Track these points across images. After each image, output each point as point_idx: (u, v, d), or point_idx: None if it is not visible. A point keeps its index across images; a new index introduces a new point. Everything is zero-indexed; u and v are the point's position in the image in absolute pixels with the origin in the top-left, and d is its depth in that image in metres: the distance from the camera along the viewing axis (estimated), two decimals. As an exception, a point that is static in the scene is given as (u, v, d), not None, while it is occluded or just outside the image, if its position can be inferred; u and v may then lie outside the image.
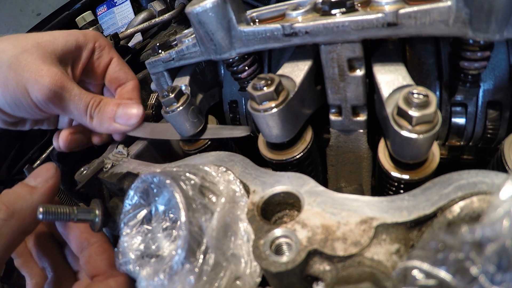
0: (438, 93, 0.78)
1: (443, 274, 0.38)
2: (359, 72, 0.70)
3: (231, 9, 0.72)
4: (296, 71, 0.74)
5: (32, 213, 0.66)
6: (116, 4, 1.98)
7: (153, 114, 1.14)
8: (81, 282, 0.78)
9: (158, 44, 0.96)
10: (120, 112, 0.93)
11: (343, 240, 0.52)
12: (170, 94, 0.83)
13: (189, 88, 0.91)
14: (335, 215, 0.55)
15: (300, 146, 0.76)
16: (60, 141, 0.98)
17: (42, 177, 0.72)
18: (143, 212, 0.64)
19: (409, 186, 0.65)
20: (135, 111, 0.95)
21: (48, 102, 0.85)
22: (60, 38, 0.91)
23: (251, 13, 0.80)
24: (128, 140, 1.03)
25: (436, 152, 0.66)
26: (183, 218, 0.57)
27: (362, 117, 0.76)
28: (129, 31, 1.66)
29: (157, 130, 0.96)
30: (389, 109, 0.61)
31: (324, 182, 0.91)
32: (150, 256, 0.61)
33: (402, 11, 0.58)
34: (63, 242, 0.82)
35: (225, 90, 1.04)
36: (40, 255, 0.81)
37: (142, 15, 1.81)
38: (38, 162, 1.36)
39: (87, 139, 1.05)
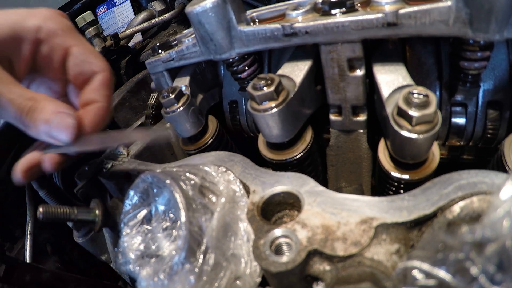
0: (438, 93, 0.78)
1: (443, 274, 0.38)
2: (359, 72, 0.70)
3: (231, 9, 0.72)
4: (296, 71, 0.74)
5: None
6: (116, 4, 1.98)
7: (153, 114, 1.14)
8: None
9: (158, 44, 0.96)
10: (54, 122, 0.73)
11: (343, 240, 0.52)
12: (171, 95, 0.83)
13: (189, 89, 0.91)
14: (335, 215, 0.55)
15: (300, 146, 0.76)
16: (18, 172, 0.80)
17: None
18: (143, 212, 0.64)
19: (409, 186, 0.65)
20: (68, 122, 0.73)
21: None
22: None
23: (251, 13, 0.80)
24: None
25: (436, 152, 0.66)
26: (183, 218, 0.57)
27: (362, 117, 0.76)
28: (129, 31, 1.66)
29: (106, 140, 0.82)
30: (389, 109, 0.61)
31: (324, 182, 0.91)
32: (150, 256, 0.61)
33: (402, 11, 0.58)
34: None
35: (225, 90, 1.04)
36: None
37: (142, 15, 1.81)
38: (38, 162, 1.36)
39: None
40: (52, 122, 0.72)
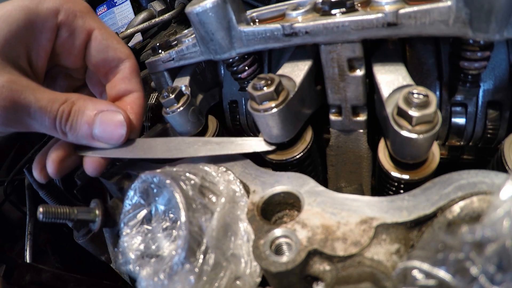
0: (438, 93, 0.78)
1: (443, 274, 0.38)
2: (359, 72, 0.70)
3: (231, 9, 0.72)
4: (296, 71, 0.74)
5: None
6: (116, 4, 1.98)
7: (153, 114, 1.14)
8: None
9: (158, 44, 0.96)
10: (98, 123, 0.66)
11: (343, 240, 0.52)
12: (171, 94, 0.83)
13: (189, 89, 0.91)
14: (335, 215, 0.55)
15: (300, 146, 0.76)
16: (49, 167, 0.71)
17: None
18: (143, 212, 0.64)
19: (409, 186, 0.65)
20: (116, 120, 0.65)
21: (5, 127, 0.63)
22: (1, 22, 0.60)
23: (251, 13, 0.80)
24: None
25: (436, 152, 0.66)
26: (183, 218, 0.57)
27: (362, 117, 0.76)
28: (129, 31, 1.66)
29: (157, 148, 0.73)
30: (389, 109, 0.61)
31: (324, 182, 0.91)
32: (150, 256, 0.61)
33: (402, 11, 0.58)
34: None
35: (225, 90, 1.04)
36: None
37: (142, 15, 1.81)
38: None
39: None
40: (95, 123, 0.65)
